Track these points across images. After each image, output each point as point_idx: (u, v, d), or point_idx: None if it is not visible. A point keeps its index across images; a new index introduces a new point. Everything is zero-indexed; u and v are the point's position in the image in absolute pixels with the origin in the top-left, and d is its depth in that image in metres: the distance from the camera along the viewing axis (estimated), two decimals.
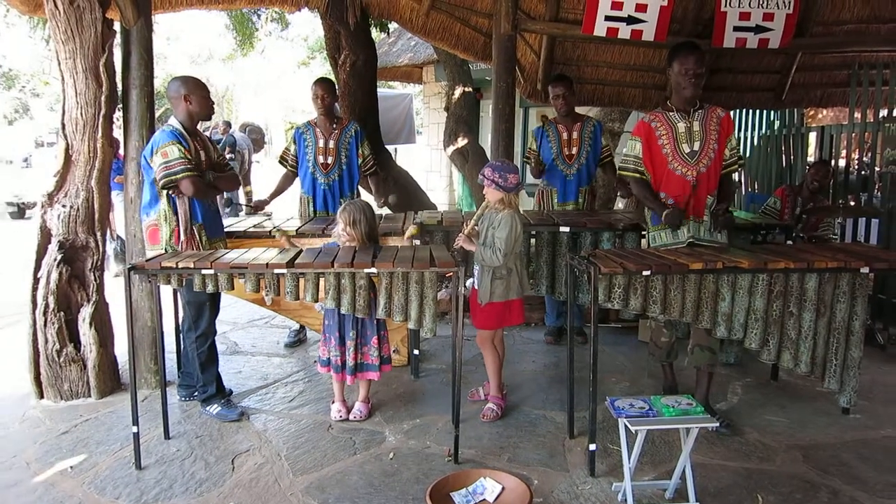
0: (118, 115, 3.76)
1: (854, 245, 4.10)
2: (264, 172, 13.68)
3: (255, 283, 2.92)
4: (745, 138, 6.78)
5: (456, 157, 6.87)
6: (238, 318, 5.26)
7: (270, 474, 2.87)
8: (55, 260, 3.55)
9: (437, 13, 5.09)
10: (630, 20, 4.62)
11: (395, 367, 3.73)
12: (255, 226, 4.01)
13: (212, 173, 3.40)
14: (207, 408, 3.45)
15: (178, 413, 3.46)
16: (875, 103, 5.03)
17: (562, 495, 2.71)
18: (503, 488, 2.58)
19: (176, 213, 3.27)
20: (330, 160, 4.44)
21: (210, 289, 2.92)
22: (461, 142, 6.73)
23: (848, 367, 3.05)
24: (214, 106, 3.55)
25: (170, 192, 3.25)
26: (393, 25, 7.43)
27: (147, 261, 2.99)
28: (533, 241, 3.99)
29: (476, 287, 3.40)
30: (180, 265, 2.87)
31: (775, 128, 6.38)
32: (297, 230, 3.85)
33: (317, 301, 2.99)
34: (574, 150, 4.51)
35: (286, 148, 4.63)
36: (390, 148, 7.59)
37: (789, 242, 4.24)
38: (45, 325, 3.55)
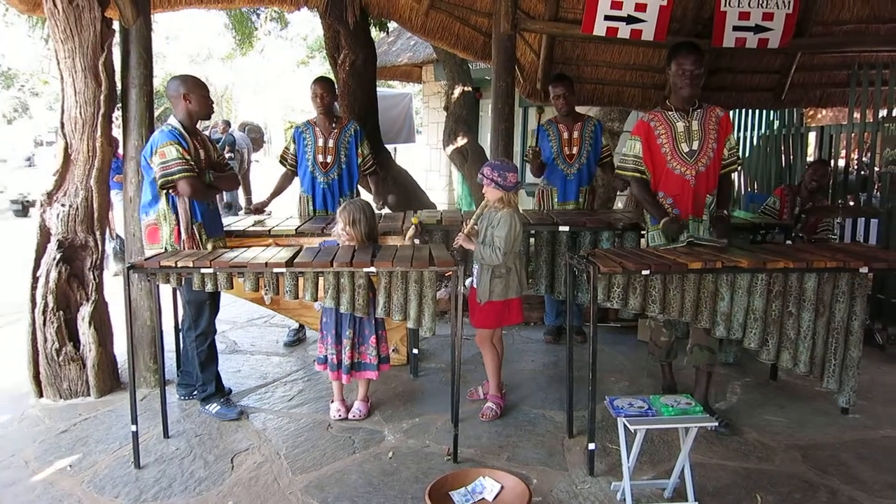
0: (117, 114, 3.76)
1: (853, 245, 4.10)
2: (263, 171, 13.69)
3: (255, 282, 2.92)
4: (745, 138, 6.78)
5: (455, 157, 6.87)
6: (237, 316, 5.26)
7: (269, 473, 2.87)
8: (54, 259, 3.54)
9: (436, 12, 5.09)
10: (629, 20, 4.62)
11: (394, 366, 3.73)
12: (254, 224, 4.01)
13: (211, 173, 3.40)
14: (207, 407, 3.45)
15: (177, 412, 3.46)
16: (874, 103, 5.04)
17: (561, 494, 2.71)
18: (502, 487, 2.59)
19: (176, 212, 3.27)
20: (329, 159, 4.43)
21: (209, 288, 2.92)
22: (460, 141, 6.73)
23: (847, 366, 3.05)
24: (214, 105, 3.55)
25: (169, 192, 3.25)
26: (392, 25, 7.42)
27: (146, 260, 2.99)
28: (532, 240, 3.99)
29: (475, 286, 3.41)
30: (179, 264, 2.88)
31: (775, 128, 6.38)
32: (296, 229, 3.85)
33: (316, 300, 2.99)
34: (574, 150, 4.51)
35: (286, 147, 4.62)
36: (390, 147, 7.58)
37: (788, 242, 4.24)
38: (45, 323, 3.54)
